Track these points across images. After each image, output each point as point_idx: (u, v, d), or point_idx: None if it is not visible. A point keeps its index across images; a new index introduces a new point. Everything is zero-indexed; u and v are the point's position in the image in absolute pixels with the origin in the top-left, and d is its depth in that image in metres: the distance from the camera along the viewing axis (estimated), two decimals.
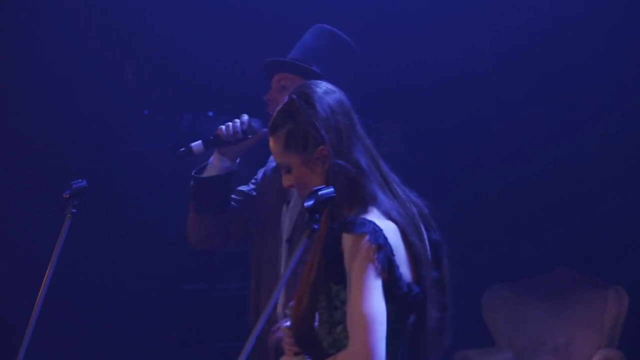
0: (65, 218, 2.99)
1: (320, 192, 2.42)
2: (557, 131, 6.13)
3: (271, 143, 2.66)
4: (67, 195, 3.01)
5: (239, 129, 3.40)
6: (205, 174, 3.45)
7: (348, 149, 2.58)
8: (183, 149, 3.40)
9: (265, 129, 3.38)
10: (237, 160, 3.48)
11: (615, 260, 5.90)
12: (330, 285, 2.51)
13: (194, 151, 3.39)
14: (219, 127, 3.43)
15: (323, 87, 2.64)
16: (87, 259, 5.79)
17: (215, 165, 3.45)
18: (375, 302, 2.42)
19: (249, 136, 3.42)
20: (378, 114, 6.77)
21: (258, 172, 3.58)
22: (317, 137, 2.56)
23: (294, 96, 2.62)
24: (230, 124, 3.41)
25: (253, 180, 3.58)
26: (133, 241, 6.04)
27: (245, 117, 3.41)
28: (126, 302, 5.98)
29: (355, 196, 2.53)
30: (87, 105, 6.02)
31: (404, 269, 2.54)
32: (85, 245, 5.49)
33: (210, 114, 6.11)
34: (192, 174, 3.47)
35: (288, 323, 2.62)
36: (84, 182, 3.05)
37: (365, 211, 2.52)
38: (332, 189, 2.45)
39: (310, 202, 2.40)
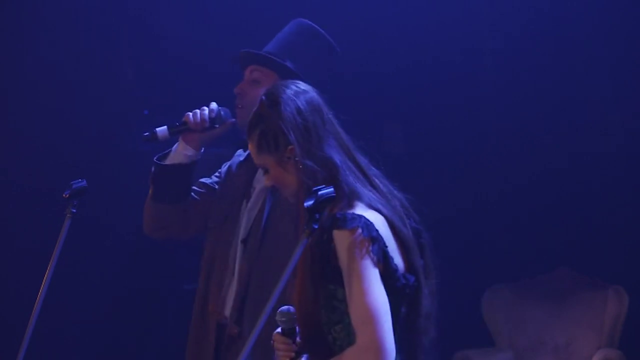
0: (65, 218, 3.00)
1: (320, 192, 2.43)
2: (557, 131, 6.13)
3: (249, 145, 2.69)
4: (67, 195, 3.02)
5: (206, 117, 3.31)
6: (168, 162, 3.35)
7: (319, 147, 2.60)
8: (147, 133, 3.31)
9: (234, 119, 3.35)
10: (202, 150, 3.38)
11: (615, 260, 5.90)
12: (326, 284, 2.51)
13: (159, 137, 3.30)
14: (186, 113, 3.32)
15: (293, 87, 2.66)
16: (87, 259, 5.79)
17: (179, 152, 3.35)
18: (377, 294, 2.44)
19: (216, 125, 3.33)
20: (379, 114, 6.79)
21: (223, 166, 3.50)
22: (287, 136, 2.58)
23: (264, 97, 2.65)
24: (197, 111, 3.32)
25: (217, 174, 3.50)
26: (133, 241, 6.03)
27: (214, 105, 3.32)
28: (126, 302, 5.98)
29: (336, 192, 2.52)
30: (87, 105, 6.01)
31: (398, 260, 2.56)
32: (85, 245, 5.48)
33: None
34: (154, 159, 3.37)
35: (279, 329, 2.63)
36: (84, 182, 3.06)
37: (351, 206, 2.54)
38: (332, 189, 2.46)
39: (310, 202, 2.41)
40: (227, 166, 3.49)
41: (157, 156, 3.38)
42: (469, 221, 6.10)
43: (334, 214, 2.50)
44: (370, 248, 2.46)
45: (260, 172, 3.26)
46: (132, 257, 6.05)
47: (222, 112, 3.32)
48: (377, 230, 2.50)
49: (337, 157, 2.61)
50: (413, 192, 6.32)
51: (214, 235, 3.39)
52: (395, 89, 6.15)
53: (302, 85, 2.68)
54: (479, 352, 5.78)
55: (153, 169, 3.38)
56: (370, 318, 2.41)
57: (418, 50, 6.05)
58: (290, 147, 2.59)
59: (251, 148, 2.68)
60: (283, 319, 2.61)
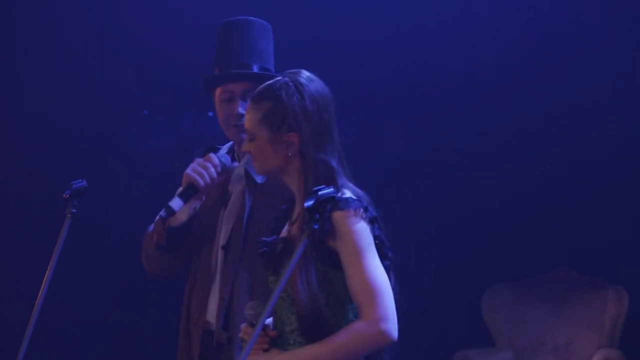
0: (65, 218, 2.99)
1: (320, 192, 2.44)
2: (557, 131, 6.13)
3: (249, 108, 2.71)
4: (67, 195, 3.01)
5: (215, 175, 3.22)
6: (178, 222, 3.26)
7: (324, 146, 2.63)
8: (164, 212, 3.17)
9: (235, 163, 3.32)
10: (203, 197, 3.31)
11: (615, 260, 5.90)
12: (317, 266, 2.54)
13: (176, 210, 3.17)
14: (188, 173, 3.21)
15: (316, 83, 2.70)
16: (87, 259, 5.79)
17: (186, 209, 3.25)
18: (379, 267, 2.53)
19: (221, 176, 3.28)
20: (379, 114, 6.80)
21: None
22: (294, 124, 2.62)
23: (289, 80, 2.68)
24: (203, 172, 3.20)
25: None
26: (133, 241, 6.02)
27: (215, 159, 3.24)
28: (126, 302, 5.98)
29: (330, 184, 2.57)
30: (87, 106, 6.02)
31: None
32: (85, 245, 5.48)
33: (210, 114, 6.11)
34: (163, 218, 3.24)
35: (246, 324, 2.66)
36: (84, 182, 3.05)
37: (343, 194, 2.60)
38: (332, 189, 2.47)
39: (310, 202, 2.41)
40: None
41: (163, 214, 3.22)
42: (469, 221, 6.10)
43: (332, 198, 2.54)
44: (370, 227, 2.55)
45: (235, 176, 3.29)
46: (132, 257, 6.03)
47: (224, 162, 3.27)
48: (374, 213, 2.60)
49: (335, 159, 2.65)
50: (413, 192, 6.33)
51: (198, 245, 3.38)
52: (395, 89, 6.15)
53: (321, 83, 2.71)
54: (479, 352, 5.78)
55: (163, 229, 3.29)
56: (376, 290, 2.49)
57: (418, 51, 6.06)
58: (292, 133, 2.62)
59: (251, 114, 2.68)
60: (252, 312, 2.64)
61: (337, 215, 2.53)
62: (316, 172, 2.60)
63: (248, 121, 2.71)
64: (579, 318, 5.83)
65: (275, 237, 2.69)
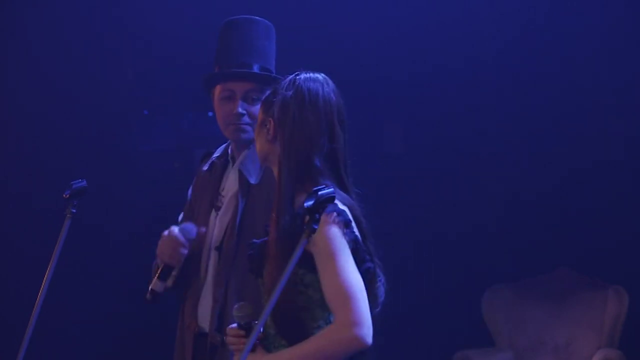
0: (65, 218, 2.99)
1: (320, 193, 2.44)
2: (557, 131, 6.13)
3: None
4: (67, 195, 3.01)
5: (183, 251, 3.29)
6: (163, 287, 3.37)
7: (302, 141, 2.64)
8: (149, 295, 3.32)
9: (195, 231, 3.34)
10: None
11: (615, 260, 5.90)
12: (296, 269, 2.54)
13: (158, 291, 3.32)
14: (160, 256, 3.31)
15: (316, 83, 2.72)
16: (87, 259, 5.79)
17: (168, 281, 3.39)
18: (353, 271, 2.51)
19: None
20: (379, 114, 6.78)
21: (188, 192, 3.53)
22: (274, 110, 2.68)
23: (294, 76, 2.74)
24: (172, 252, 3.28)
25: (187, 203, 3.53)
26: (133, 241, 6.03)
27: (179, 236, 3.28)
28: (126, 302, 5.97)
29: (310, 183, 2.60)
30: (87, 105, 6.02)
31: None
32: (85, 245, 5.48)
33: (210, 114, 6.11)
34: (148, 299, 3.37)
35: (235, 325, 2.68)
36: (84, 182, 3.05)
37: None
38: (332, 189, 2.46)
39: (310, 202, 2.41)
40: (190, 189, 3.52)
41: (148, 297, 3.36)
42: (469, 221, 6.10)
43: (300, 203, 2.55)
44: (345, 231, 2.54)
45: (229, 179, 3.31)
46: (132, 257, 6.04)
47: (187, 233, 3.30)
48: (349, 217, 2.59)
49: (318, 164, 2.65)
50: (413, 192, 6.32)
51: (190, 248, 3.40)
52: (396, 89, 6.15)
53: (321, 84, 2.72)
54: (479, 352, 5.78)
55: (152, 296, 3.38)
56: (348, 294, 2.47)
57: (419, 51, 6.06)
58: (270, 119, 2.69)
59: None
60: (240, 314, 2.66)
61: None
62: (290, 165, 2.63)
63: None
64: (579, 318, 5.83)
65: (266, 238, 2.70)
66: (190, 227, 3.30)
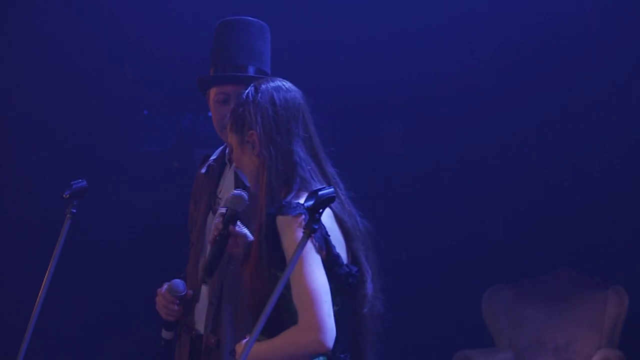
0: (65, 218, 2.99)
1: (320, 193, 2.43)
2: (557, 132, 6.13)
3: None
4: (67, 195, 3.00)
5: (178, 309, 3.31)
6: (170, 335, 3.40)
7: (286, 140, 2.69)
8: (163, 342, 3.36)
9: (189, 292, 3.36)
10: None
11: (615, 260, 5.90)
12: (274, 271, 2.56)
13: (169, 339, 3.36)
14: (160, 312, 3.35)
15: (277, 83, 2.78)
16: (87, 259, 5.79)
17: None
18: (317, 276, 2.52)
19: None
20: (379, 114, 6.78)
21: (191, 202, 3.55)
22: (251, 122, 2.69)
23: (252, 86, 2.78)
24: (169, 310, 3.31)
25: (190, 205, 3.54)
26: (133, 241, 6.04)
27: (168, 296, 3.31)
28: (126, 302, 5.98)
29: (289, 182, 2.64)
30: (87, 106, 6.02)
31: (341, 251, 2.64)
32: (85, 245, 5.48)
33: (210, 114, 6.11)
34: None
35: (223, 209, 2.75)
36: (84, 182, 3.05)
37: (298, 197, 2.62)
38: (332, 189, 2.46)
39: (311, 203, 2.41)
40: (192, 195, 3.54)
41: (162, 343, 3.39)
42: (469, 221, 6.10)
43: (281, 201, 2.58)
44: (313, 234, 2.51)
45: (226, 181, 3.32)
46: (132, 257, 6.05)
47: (174, 292, 3.31)
48: (320, 221, 2.55)
49: (301, 153, 2.69)
50: (413, 192, 6.32)
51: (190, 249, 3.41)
52: (396, 91, 6.16)
53: (288, 85, 2.79)
54: (479, 352, 5.79)
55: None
56: (311, 298, 2.49)
57: (419, 52, 6.06)
58: (251, 131, 2.69)
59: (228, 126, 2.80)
60: (233, 205, 2.75)
61: (280, 220, 2.56)
62: (271, 165, 2.65)
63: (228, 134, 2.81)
64: (579, 318, 5.83)
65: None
66: (178, 283, 3.33)
